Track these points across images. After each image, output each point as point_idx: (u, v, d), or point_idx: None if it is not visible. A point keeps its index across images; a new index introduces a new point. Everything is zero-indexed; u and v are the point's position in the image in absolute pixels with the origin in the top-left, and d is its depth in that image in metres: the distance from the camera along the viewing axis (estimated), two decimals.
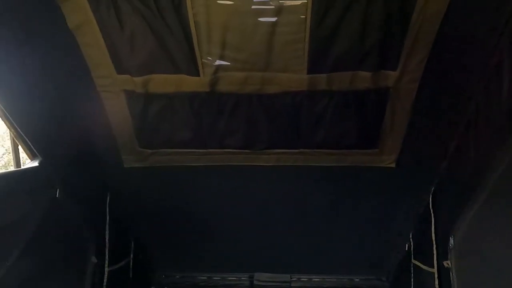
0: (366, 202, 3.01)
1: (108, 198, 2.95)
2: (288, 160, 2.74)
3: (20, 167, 2.16)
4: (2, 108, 1.96)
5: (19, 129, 2.02)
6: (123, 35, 2.06)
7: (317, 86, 2.25)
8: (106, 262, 2.88)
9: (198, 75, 2.22)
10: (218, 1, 1.92)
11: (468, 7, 1.90)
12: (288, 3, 1.91)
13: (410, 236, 3.14)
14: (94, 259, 2.73)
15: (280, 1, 1.91)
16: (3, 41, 1.86)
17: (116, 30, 2.04)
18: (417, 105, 2.34)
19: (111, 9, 1.96)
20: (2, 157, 8.68)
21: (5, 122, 2.02)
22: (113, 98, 2.41)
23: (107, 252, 2.86)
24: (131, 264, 3.32)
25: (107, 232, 2.87)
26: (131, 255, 3.36)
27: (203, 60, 2.15)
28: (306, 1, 1.89)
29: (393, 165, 2.70)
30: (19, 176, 2.01)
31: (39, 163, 2.12)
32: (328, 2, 1.87)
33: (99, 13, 1.99)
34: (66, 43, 2.12)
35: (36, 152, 2.12)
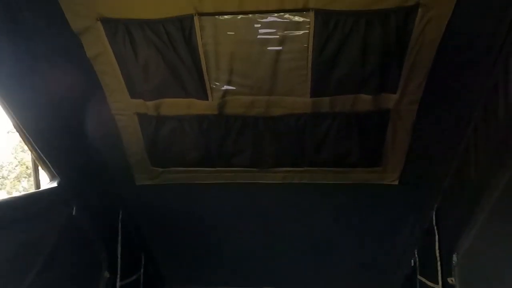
0: (371, 219, 3.07)
1: (120, 214, 3.06)
2: (294, 178, 2.84)
3: (40, 187, 2.30)
4: (25, 132, 2.10)
5: (40, 152, 2.16)
6: (137, 64, 2.20)
7: (320, 109, 2.35)
8: (118, 276, 2.97)
9: (207, 99, 2.35)
10: (227, 32, 2.05)
11: (463, 34, 1.99)
12: (291, 33, 2.03)
13: (416, 252, 3.17)
14: (106, 274, 2.82)
15: (284, 32, 2.03)
16: (29, 71, 2.02)
17: (131, 60, 2.19)
18: (418, 126, 2.42)
19: (126, 40, 2.11)
20: (14, 168, 8.92)
21: (27, 145, 2.16)
22: (127, 120, 2.56)
23: (119, 267, 2.96)
24: (141, 278, 3.41)
25: (119, 247, 2.98)
26: (142, 270, 3.45)
27: (211, 85, 2.28)
28: (307, 31, 2.01)
29: (396, 182, 2.77)
30: (39, 197, 2.14)
31: (58, 184, 2.25)
32: (328, 31, 1.99)
33: (115, 44, 2.14)
34: (84, 71, 2.28)
35: (56, 173, 2.25)
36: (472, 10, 1.89)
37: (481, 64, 2.07)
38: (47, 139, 2.15)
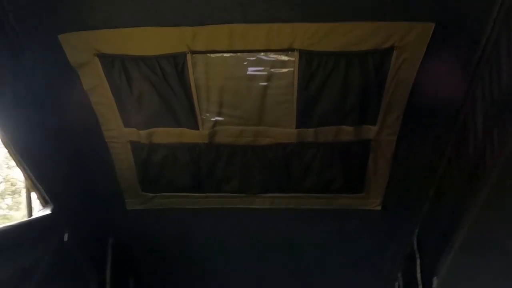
0: (355, 243, 3.18)
1: (110, 239, 3.10)
2: (282, 203, 2.94)
3: (32, 214, 2.34)
4: (20, 159, 2.17)
5: (34, 180, 2.22)
6: (132, 96, 2.32)
7: (306, 139, 2.49)
8: None
9: (198, 128, 2.46)
10: (217, 69, 2.18)
11: (434, 73, 2.17)
12: (277, 70, 2.18)
13: (399, 276, 3.27)
14: None
15: (271, 69, 2.18)
16: (26, 100, 2.12)
17: (126, 92, 2.30)
18: (397, 155, 2.57)
19: (122, 74, 2.22)
20: None
21: (22, 172, 2.22)
22: (120, 148, 2.65)
23: None
24: None
25: (108, 272, 3.01)
26: None
27: (202, 116, 2.41)
28: (293, 69, 2.16)
29: (378, 208, 2.90)
30: (33, 225, 2.19)
31: (51, 211, 2.30)
32: (312, 69, 2.14)
33: (111, 78, 2.26)
34: (79, 101, 2.38)
35: (49, 200, 2.31)
36: (442, 52, 2.07)
37: (451, 101, 2.25)
38: (42, 166, 2.22)
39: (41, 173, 2.22)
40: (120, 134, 2.56)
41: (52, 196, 2.32)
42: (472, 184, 2.18)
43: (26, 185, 2.32)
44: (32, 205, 2.45)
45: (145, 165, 2.73)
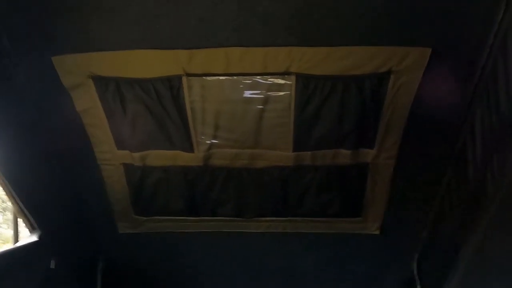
0: (354, 268, 3.09)
1: (100, 263, 2.99)
2: (278, 227, 2.86)
3: (18, 240, 2.25)
4: (7, 183, 2.10)
5: (22, 205, 2.14)
6: (126, 118, 2.27)
7: (302, 162, 2.44)
8: None
9: (193, 151, 2.41)
10: (213, 92, 2.16)
11: (432, 96, 2.15)
12: (274, 94, 2.16)
13: None
14: None
15: (267, 93, 2.15)
16: (15, 123, 2.06)
17: (119, 114, 2.26)
18: (395, 178, 2.52)
19: (116, 97, 2.19)
20: None
21: (9, 198, 2.14)
22: (112, 170, 2.58)
23: None
24: None
25: None
26: None
27: (197, 139, 2.36)
28: (289, 92, 2.14)
29: (377, 232, 2.83)
30: (19, 252, 2.09)
31: (38, 237, 2.21)
32: (308, 93, 2.12)
33: (105, 100, 2.22)
34: (72, 123, 2.33)
35: (36, 226, 2.22)
36: (439, 76, 2.07)
37: (450, 125, 2.23)
38: (30, 190, 2.15)
39: (28, 198, 2.14)
40: (113, 156, 2.50)
41: (40, 222, 2.23)
42: (473, 209, 2.14)
43: (13, 210, 2.24)
44: (20, 230, 2.36)
45: (138, 188, 2.66)
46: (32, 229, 2.25)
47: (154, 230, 2.92)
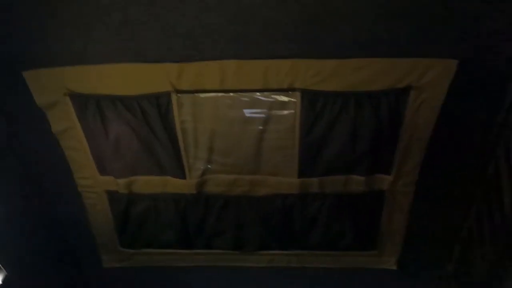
0: None
1: None
2: (281, 261, 2.54)
3: None
4: None
5: None
6: (108, 140, 2.01)
7: (309, 189, 2.14)
8: None
9: (184, 177, 2.13)
10: (207, 110, 1.89)
11: (458, 115, 1.88)
12: (276, 112, 1.89)
13: None
14: None
15: (269, 111, 1.88)
16: None
17: (101, 136, 1.99)
18: (415, 207, 2.22)
19: (96, 116, 1.93)
20: None
21: None
22: (95, 198, 2.30)
23: None
24: None
25: None
26: None
27: (189, 163, 2.08)
28: (294, 111, 1.87)
29: (394, 267, 2.50)
30: None
31: (2, 280, 1.91)
32: (316, 111, 1.85)
33: (84, 120, 1.96)
34: (47, 146, 2.07)
35: (1, 266, 1.92)
36: (466, 93, 1.79)
37: (479, 146, 1.95)
38: None
39: None
40: (95, 182, 2.22)
41: (7, 261, 1.93)
42: (508, 250, 1.83)
43: None
44: None
45: (124, 218, 2.36)
46: None
47: (142, 264, 2.61)
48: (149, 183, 2.18)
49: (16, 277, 1.99)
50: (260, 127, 1.94)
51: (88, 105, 1.91)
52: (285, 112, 1.88)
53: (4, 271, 1.91)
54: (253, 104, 1.88)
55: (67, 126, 1.99)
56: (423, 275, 2.54)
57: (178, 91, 1.84)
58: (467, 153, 1.97)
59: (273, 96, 1.85)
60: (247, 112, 1.90)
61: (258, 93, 1.85)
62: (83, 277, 2.66)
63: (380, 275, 2.56)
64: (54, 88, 1.86)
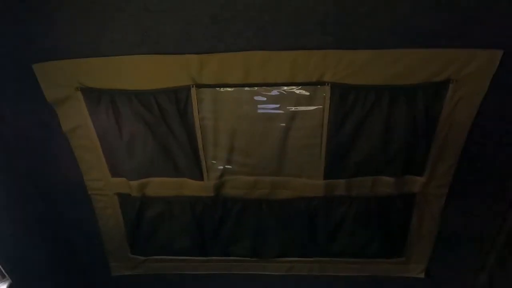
0: None
1: None
2: (302, 269, 2.39)
3: None
4: None
5: None
6: (122, 138, 1.88)
7: (335, 192, 2.01)
8: None
9: (202, 179, 2.00)
10: (228, 106, 1.76)
11: (499, 114, 1.74)
12: (303, 108, 1.76)
13: None
14: None
15: (294, 107, 1.75)
16: None
17: (114, 133, 1.87)
18: (447, 212, 2.07)
19: (110, 112, 1.80)
20: None
21: None
22: (105, 202, 2.17)
23: None
24: None
25: None
26: None
27: (208, 164, 1.95)
28: (322, 106, 1.74)
29: (422, 275, 2.35)
30: None
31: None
32: (347, 107, 1.72)
33: (97, 116, 1.84)
34: (57, 145, 1.95)
35: (6, 274, 1.78)
36: (510, 85, 1.66)
37: None
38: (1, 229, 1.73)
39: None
40: (106, 185, 2.09)
41: (11, 268, 1.79)
42: None
43: None
44: None
45: (136, 223, 2.22)
46: (1, 278, 1.81)
47: (154, 272, 2.46)
48: (164, 185, 2.05)
49: (21, 285, 1.85)
50: (284, 125, 1.81)
51: (101, 101, 1.78)
52: (313, 107, 1.75)
53: (9, 279, 1.78)
54: (278, 99, 1.75)
55: (78, 123, 1.86)
56: (453, 285, 2.38)
57: (198, 86, 1.71)
58: (507, 154, 1.83)
59: (300, 90, 1.72)
60: (271, 108, 1.77)
61: (284, 87, 1.72)
62: (91, 285, 2.51)
63: (406, 284, 2.41)
64: (65, 82, 1.74)
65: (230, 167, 1.97)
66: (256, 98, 1.76)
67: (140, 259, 2.41)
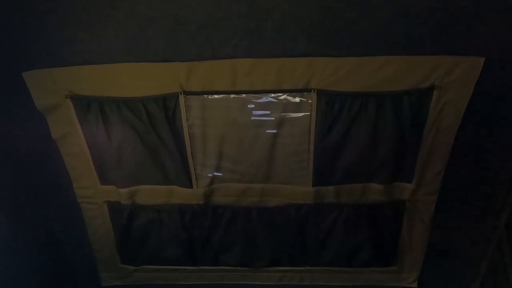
0: None
1: None
2: (293, 279, 2.37)
3: None
4: None
5: None
6: (111, 145, 1.89)
7: (324, 199, 2.01)
8: None
9: (191, 186, 2.00)
10: (216, 113, 1.78)
11: (485, 119, 1.76)
12: (290, 115, 1.77)
13: None
14: None
15: (282, 114, 1.77)
16: None
17: (103, 141, 1.88)
18: (437, 219, 2.07)
19: (99, 119, 1.82)
20: None
21: None
22: (95, 210, 2.16)
23: None
24: None
25: None
26: None
27: (196, 171, 1.95)
28: (309, 113, 1.75)
29: (414, 285, 2.33)
30: None
31: None
32: (333, 114, 1.74)
33: (86, 124, 1.85)
34: (45, 153, 1.95)
35: None
36: (493, 93, 1.68)
37: (508, 150, 1.82)
38: None
39: None
40: (95, 193, 2.08)
41: None
42: None
43: None
44: None
45: (126, 231, 2.21)
46: None
47: (144, 282, 2.44)
48: (153, 193, 2.05)
49: None
50: (272, 131, 1.82)
51: (91, 109, 1.80)
52: (300, 114, 1.77)
53: None
54: (265, 106, 1.77)
55: (67, 131, 1.87)
56: None
57: (186, 93, 1.73)
58: (495, 159, 1.84)
59: (287, 97, 1.74)
60: (259, 114, 1.78)
61: (271, 94, 1.74)
62: None
63: None
64: (55, 90, 1.76)
65: (219, 174, 1.97)
66: (244, 105, 1.77)
67: (131, 269, 2.39)
